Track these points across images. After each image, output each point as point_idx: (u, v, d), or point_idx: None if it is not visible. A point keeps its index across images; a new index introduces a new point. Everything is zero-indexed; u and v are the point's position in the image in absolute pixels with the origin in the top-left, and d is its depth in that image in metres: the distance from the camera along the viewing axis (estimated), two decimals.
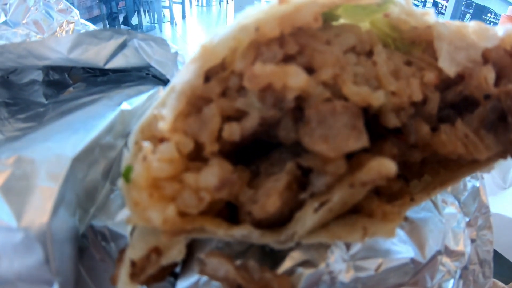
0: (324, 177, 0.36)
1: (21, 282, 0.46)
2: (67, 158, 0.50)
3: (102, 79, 0.84)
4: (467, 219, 0.77)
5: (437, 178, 0.48)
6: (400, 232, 0.57)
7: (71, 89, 0.85)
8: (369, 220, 0.40)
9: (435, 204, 0.69)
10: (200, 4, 11.12)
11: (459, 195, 0.78)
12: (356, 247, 0.51)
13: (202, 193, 0.36)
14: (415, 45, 0.45)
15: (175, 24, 8.60)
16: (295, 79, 0.35)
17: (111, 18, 7.12)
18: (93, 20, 7.21)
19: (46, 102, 0.80)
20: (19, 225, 0.45)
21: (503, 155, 0.43)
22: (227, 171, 0.36)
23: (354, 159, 0.37)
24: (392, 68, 0.42)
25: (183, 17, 9.32)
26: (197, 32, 8.69)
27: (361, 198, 0.40)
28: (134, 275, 0.40)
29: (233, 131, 0.37)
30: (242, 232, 0.38)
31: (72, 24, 0.92)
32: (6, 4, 0.89)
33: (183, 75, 0.38)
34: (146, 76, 0.85)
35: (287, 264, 0.46)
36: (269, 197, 0.36)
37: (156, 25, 7.99)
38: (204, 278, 0.46)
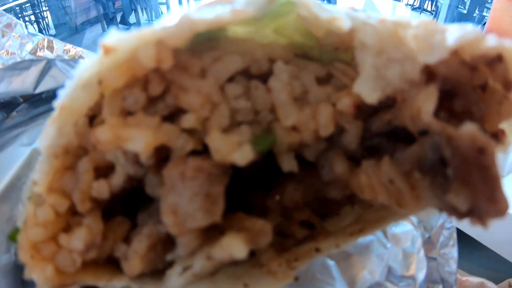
0: (180, 245, 0.33)
1: None
2: None
3: (47, 95, 0.84)
4: (427, 235, 0.72)
5: (367, 211, 0.41)
6: (329, 264, 0.53)
7: (14, 113, 0.86)
8: (256, 273, 0.37)
9: None
10: None
11: None
12: None
13: (74, 255, 0.36)
14: (340, 52, 0.35)
15: None
16: (135, 143, 0.31)
17: (109, 18, 7.11)
18: (91, 21, 7.20)
19: None
20: None
21: (440, 208, 0.32)
22: (96, 233, 0.36)
23: (226, 221, 0.33)
24: (298, 90, 0.33)
25: None
26: None
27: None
28: None
29: (101, 190, 0.36)
30: (121, 284, 0.38)
31: (19, 38, 0.89)
32: None
33: (44, 137, 0.37)
34: None
35: None
36: (132, 260, 0.35)
37: (155, 22, 7.94)
38: None
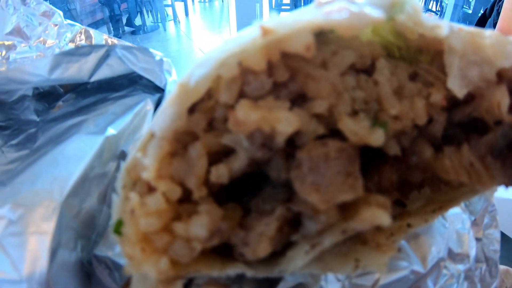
0: (315, 223, 0.34)
1: None
2: (56, 203, 0.51)
3: (92, 86, 0.82)
4: (473, 218, 0.74)
5: (437, 193, 0.45)
6: (402, 243, 0.56)
7: (60, 103, 0.83)
8: (362, 249, 0.39)
9: None
10: (202, 0, 11.03)
11: None
12: None
13: (193, 243, 0.35)
14: (422, 53, 0.40)
15: (179, 22, 8.54)
16: (285, 125, 0.32)
17: (115, 20, 7.12)
18: (97, 24, 7.17)
19: (37, 119, 0.78)
20: (21, 276, 0.46)
21: (508, 184, 0.39)
22: (216, 219, 0.35)
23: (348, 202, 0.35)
24: (395, 85, 0.38)
25: (186, 14, 9.23)
26: (201, 28, 8.62)
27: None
28: None
29: (221, 175, 0.35)
30: (235, 271, 0.38)
31: (56, 27, 0.86)
32: None
33: (162, 119, 0.35)
34: (139, 80, 0.82)
35: None
36: (260, 243, 0.35)
37: (160, 24, 7.96)
38: None
